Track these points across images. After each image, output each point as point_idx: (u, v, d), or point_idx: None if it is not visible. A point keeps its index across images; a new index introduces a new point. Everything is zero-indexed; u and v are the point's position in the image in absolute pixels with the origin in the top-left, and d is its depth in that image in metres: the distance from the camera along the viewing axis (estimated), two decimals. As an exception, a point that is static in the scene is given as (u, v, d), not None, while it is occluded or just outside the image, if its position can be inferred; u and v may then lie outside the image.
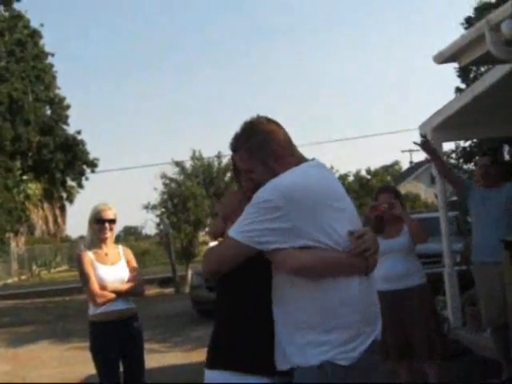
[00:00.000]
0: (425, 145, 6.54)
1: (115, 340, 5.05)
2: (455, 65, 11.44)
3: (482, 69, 15.49)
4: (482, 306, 6.61)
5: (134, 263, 5.37)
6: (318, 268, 2.65)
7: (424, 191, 41.18)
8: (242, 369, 2.80)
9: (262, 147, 2.82)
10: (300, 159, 2.87)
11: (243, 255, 2.69)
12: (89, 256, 5.14)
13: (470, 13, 18.80)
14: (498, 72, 6.42)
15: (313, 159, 2.91)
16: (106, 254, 5.21)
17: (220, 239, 3.13)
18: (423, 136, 6.55)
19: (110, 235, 5.27)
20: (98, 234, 5.20)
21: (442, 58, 5.97)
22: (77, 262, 5.27)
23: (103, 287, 5.05)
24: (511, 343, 6.21)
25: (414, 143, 6.57)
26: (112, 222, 5.24)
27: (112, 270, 5.14)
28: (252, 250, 2.66)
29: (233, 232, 2.70)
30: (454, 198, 12.98)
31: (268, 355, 2.76)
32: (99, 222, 5.18)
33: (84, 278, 5.07)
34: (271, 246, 2.63)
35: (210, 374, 2.91)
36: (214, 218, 3.67)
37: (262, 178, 2.77)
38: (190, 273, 18.83)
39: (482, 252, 6.45)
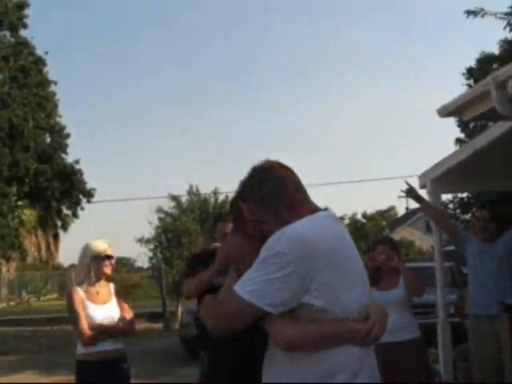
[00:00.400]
0: (410, 192, 6.58)
1: (101, 381, 4.93)
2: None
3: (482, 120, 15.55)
4: (475, 363, 6.54)
5: (124, 303, 5.31)
6: (310, 344, 2.46)
7: (419, 238, 41.06)
8: None
9: (276, 196, 2.59)
10: (315, 208, 2.67)
11: (250, 314, 2.45)
12: (79, 294, 5.06)
13: (472, 63, 18.94)
14: (500, 128, 6.43)
15: (325, 209, 2.70)
16: (98, 293, 5.12)
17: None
18: (407, 183, 6.58)
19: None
20: (99, 270, 5.13)
21: (446, 112, 5.97)
22: (67, 300, 5.19)
23: (93, 327, 4.96)
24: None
25: (401, 191, 6.63)
26: (112, 258, 5.25)
27: (102, 309, 5.06)
28: (259, 311, 2.43)
29: (239, 289, 2.46)
30: (450, 248, 12.95)
31: None
32: (107, 258, 5.15)
33: (73, 316, 4.99)
34: (281, 308, 2.42)
35: None
36: (184, 278, 3.77)
37: (274, 230, 2.52)
38: (180, 309, 18.69)
39: (477, 305, 6.43)
